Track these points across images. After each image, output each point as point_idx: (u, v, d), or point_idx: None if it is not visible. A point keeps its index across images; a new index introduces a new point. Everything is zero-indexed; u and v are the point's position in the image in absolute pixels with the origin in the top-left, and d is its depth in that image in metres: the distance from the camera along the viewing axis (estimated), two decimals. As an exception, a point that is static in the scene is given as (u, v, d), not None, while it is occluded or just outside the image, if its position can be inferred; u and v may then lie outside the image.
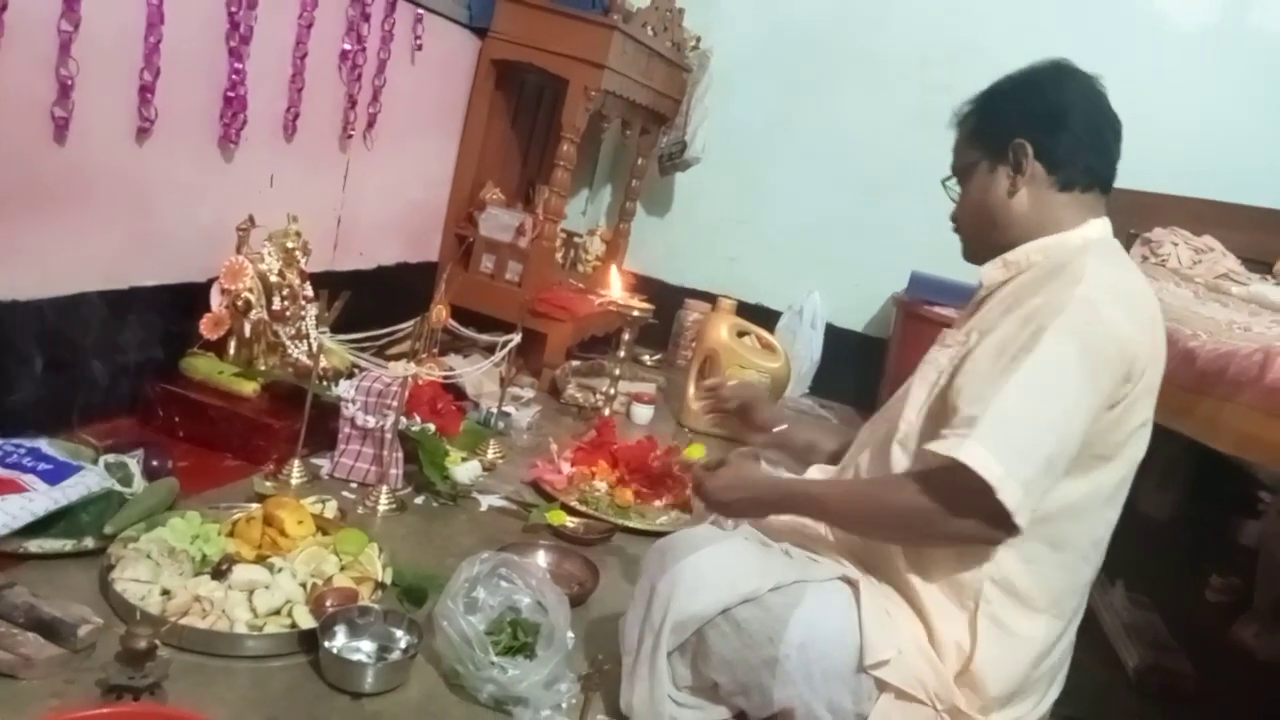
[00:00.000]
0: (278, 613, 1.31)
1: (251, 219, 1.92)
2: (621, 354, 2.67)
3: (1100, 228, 1.28)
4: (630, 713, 1.25)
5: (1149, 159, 3.14)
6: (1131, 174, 3.44)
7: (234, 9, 1.81)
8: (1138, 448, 1.24)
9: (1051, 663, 1.25)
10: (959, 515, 1.14)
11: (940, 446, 1.13)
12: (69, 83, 1.53)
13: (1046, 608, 1.22)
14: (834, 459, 1.50)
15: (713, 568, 1.21)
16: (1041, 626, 1.22)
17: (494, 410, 2.28)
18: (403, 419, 1.86)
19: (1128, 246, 3.01)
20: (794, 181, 3.55)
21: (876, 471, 1.30)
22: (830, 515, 1.30)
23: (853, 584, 1.22)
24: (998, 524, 1.12)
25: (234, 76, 1.87)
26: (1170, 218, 3.01)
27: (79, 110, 1.57)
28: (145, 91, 1.69)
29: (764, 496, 1.33)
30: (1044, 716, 1.29)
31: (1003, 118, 1.29)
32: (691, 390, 2.80)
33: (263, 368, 1.98)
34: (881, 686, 1.19)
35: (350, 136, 2.29)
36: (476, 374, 2.38)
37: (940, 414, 1.23)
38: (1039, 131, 1.26)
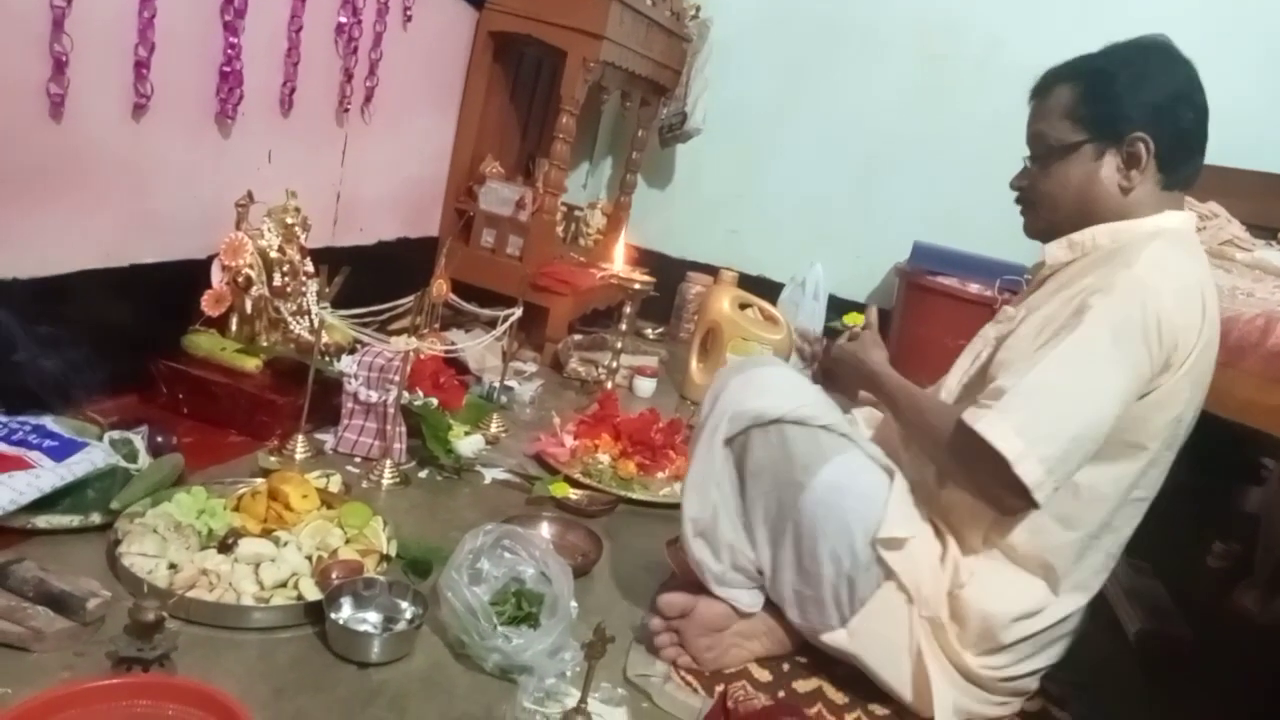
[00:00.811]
0: (284, 585, 1.32)
1: (250, 195, 1.92)
2: (623, 327, 2.67)
3: (1178, 220, 1.28)
4: (685, 488, 1.36)
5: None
6: (1136, 140, 3.40)
7: (228, -18, 1.80)
8: (1172, 442, 1.25)
9: (1035, 628, 1.27)
10: (981, 479, 1.19)
11: (968, 415, 1.17)
12: (63, 59, 1.52)
13: (1040, 573, 1.26)
14: None
15: (783, 382, 1.33)
16: (1030, 591, 1.26)
17: (496, 384, 2.28)
18: (405, 394, 1.87)
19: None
20: (795, 152, 3.53)
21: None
22: (898, 415, 1.38)
23: (890, 472, 1.29)
24: (1017, 495, 1.15)
25: (229, 52, 1.86)
26: (1175, 184, 2.99)
27: (74, 87, 1.56)
28: (140, 68, 1.67)
29: (863, 370, 1.42)
30: (1025, 685, 1.32)
31: (1119, 104, 1.26)
32: (694, 364, 2.80)
33: (265, 344, 1.98)
34: (886, 573, 1.25)
35: (347, 111, 2.28)
36: (478, 348, 2.39)
37: (979, 385, 1.27)
38: (1160, 129, 1.24)
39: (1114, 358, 1.13)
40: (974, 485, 1.23)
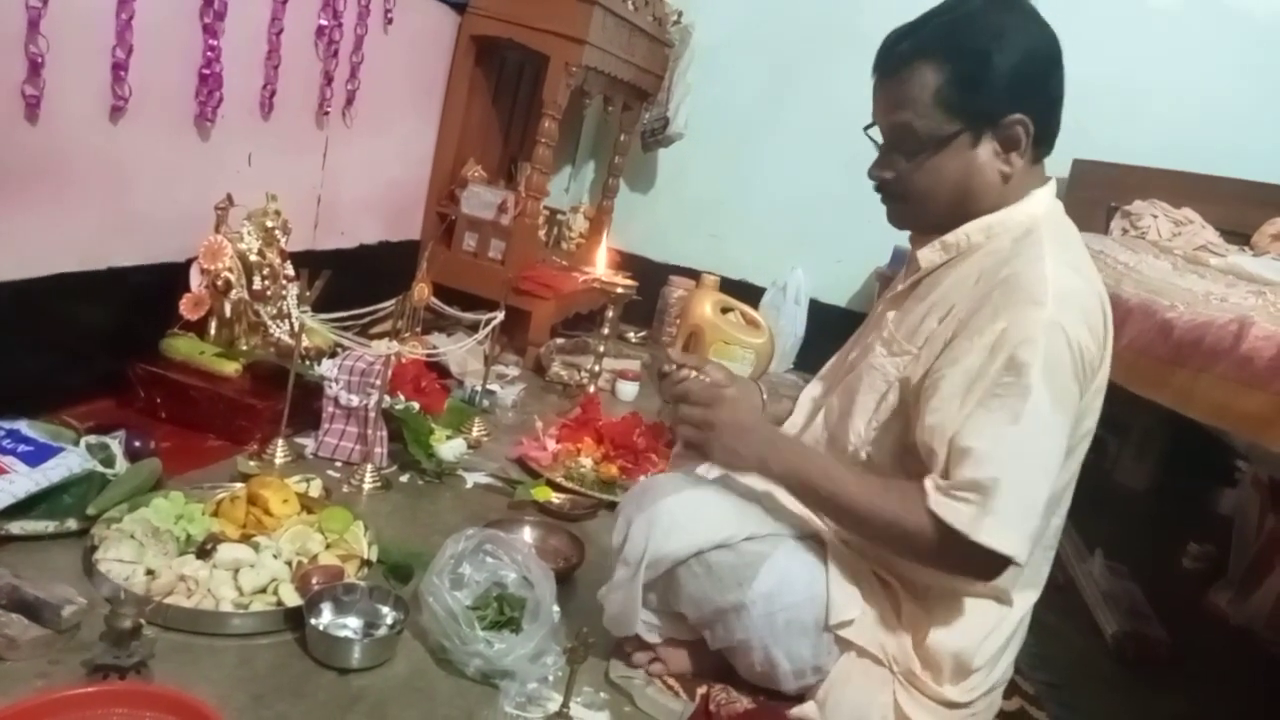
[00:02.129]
0: (263, 591, 1.31)
1: (230, 198, 1.90)
2: (606, 331, 2.67)
3: (1045, 198, 1.20)
4: (608, 621, 1.31)
5: (1130, 133, 3.18)
6: (1112, 148, 3.49)
7: (207, -16, 1.79)
8: (1085, 445, 1.22)
9: (1001, 638, 1.25)
10: (963, 567, 1.13)
11: (959, 521, 1.06)
12: (39, 60, 1.51)
13: (990, 595, 1.23)
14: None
15: (689, 512, 1.24)
16: (988, 612, 1.23)
17: (478, 388, 2.28)
18: (386, 398, 1.86)
19: (1108, 220, 3.03)
20: (776, 157, 3.55)
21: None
22: (826, 509, 1.21)
23: (822, 543, 1.24)
24: (1000, 569, 1.11)
25: (209, 54, 1.85)
26: (1150, 190, 3.03)
27: (50, 89, 1.54)
28: (118, 69, 1.66)
29: (768, 460, 1.19)
30: (1001, 682, 1.31)
31: (992, 85, 1.13)
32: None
33: (244, 348, 1.97)
34: (843, 645, 1.23)
35: (328, 114, 2.27)
36: (460, 352, 2.38)
37: (899, 433, 1.20)
38: (1034, 105, 1.14)
39: (1060, 416, 1.09)
40: (951, 570, 1.16)
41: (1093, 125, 3.19)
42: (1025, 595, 1.26)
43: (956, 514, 1.06)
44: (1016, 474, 1.06)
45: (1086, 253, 1.21)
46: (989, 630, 1.22)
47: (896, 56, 1.18)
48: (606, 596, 1.30)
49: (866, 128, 1.26)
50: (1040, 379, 1.06)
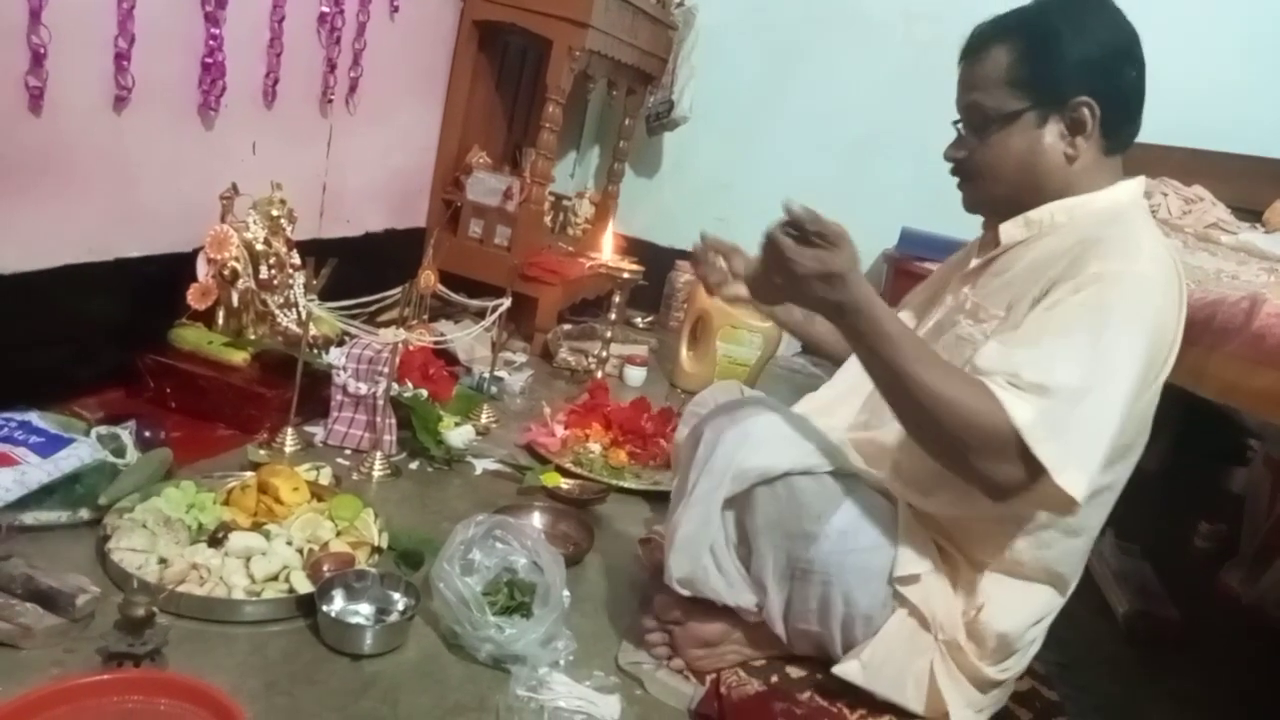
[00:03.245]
0: (275, 578, 1.32)
1: (235, 187, 1.90)
2: (613, 317, 2.67)
3: (1132, 191, 1.23)
4: (672, 548, 1.25)
5: (1138, 109, 3.15)
6: (1121, 125, 3.40)
7: (208, -28, 1.78)
8: (1147, 434, 1.22)
9: (1046, 625, 1.28)
10: (1024, 495, 1.08)
11: (1018, 416, 1.02)
12: (41, 51, 1.51)
13: (1049, 581, 1.24)
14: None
15: (783, 432, 1.22)
16: (1041, 599, 1.25)
17: (486, 375, 2.28)
18: (394, 385, 1.86)
19: (1117, 198, 3.01)
20: (783, 140, 3.53)
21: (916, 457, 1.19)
22: (898, 375, 1.08)
23: (893, 500, 1.25)
24: (1061, 508, 1.10)
25: (211, 43, 1.84)
26: (1160, 168, 3.00)
27: (53, 80, 1.54)
28: (121, 59, 1.66)
29: (849, 302, 1.08)
30: (1025, 667, 1.32)
31: (1059, 65, 1.17)
32: (684, 352, 2.80)
33: (252, 337, 1.97)
34: (900, 601, 1.23)
35: (331, 102, 2.26)
36: (468, 339, 2.38)
37: None
38: (1104, 91, 1.18)
39: (1132, 358, 1.07)
40: (1001, 482, 1.08)
41: (1102, 103, 3.18)
42: (1048, 593, 1.25)
43: (1016, 407, 1.03)
44: (1092, 419, 1.03)
45: (1164, 242, 1.21)
46: (1038, 616, 1.24)
47: (977, 38, 1.24)
48: (680, 516, 1.23)
49: (955, 123, 1.30)
50: (1121, 320, 1.06)
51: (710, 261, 1.38)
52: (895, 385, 1.10)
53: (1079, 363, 1.05)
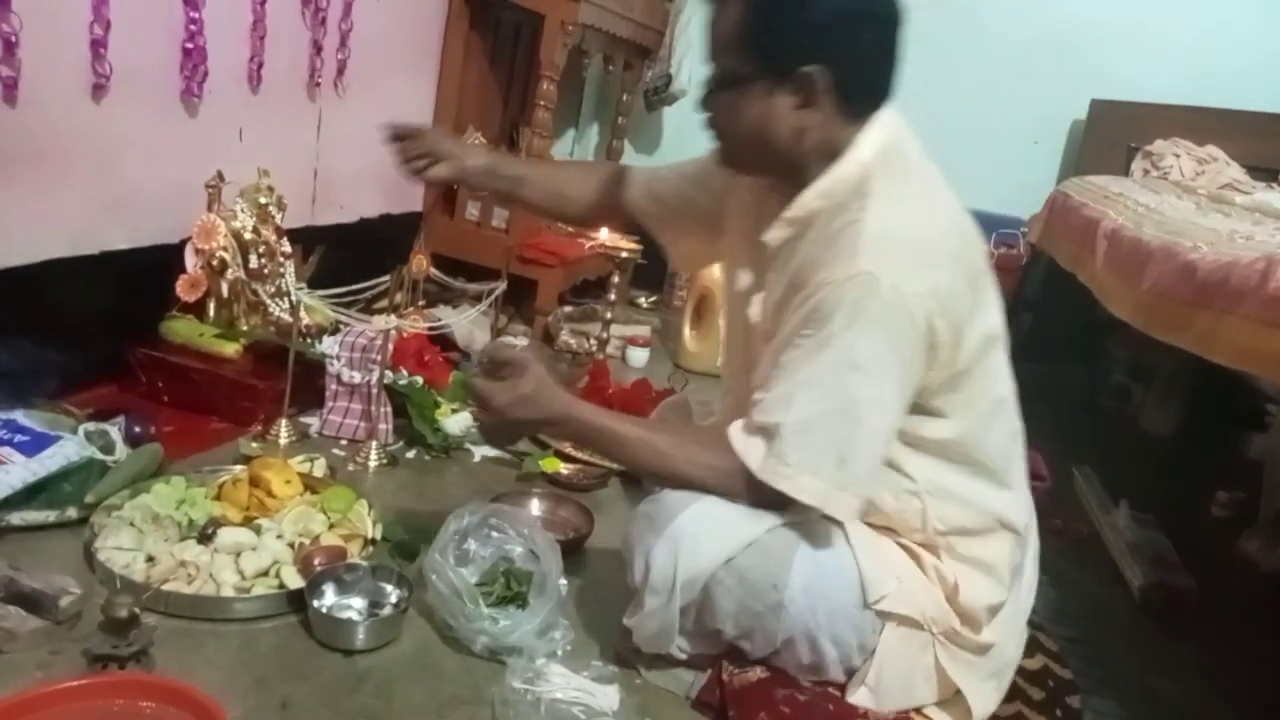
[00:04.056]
0: (265, 574, 1.29)
1: (220, 175, 1.87)
2: (613, 297, 2.63)
3: (874, 140, 1.16)
4: (641, 643, 1.23)
5: (1147, 69, 3.07)
6: (1129, 85, 3.38)
7: (184, -46, 1.73)
8: (994, 385, 1.21)
9: (1024, 564, 1.28)
10: (778, 504, 1.14)
11: (748, 457, 1.12)
12: (13, 39, 1.46)
13: (997, 527, 1.23)
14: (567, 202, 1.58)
15: (708, 521, 1.15)
16: (1001, 546, 1.24)
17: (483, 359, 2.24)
18: (389, 373, 1.83)
19: (1128, 161, 2.94)
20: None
21: None
22: (631, 463, 1.27)
23: (838, 522, 1.19)
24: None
25: (191, 27, 1.80)
26: (1171, 129, 2.93)
27: (27, 69, 1.50)
28: (97, 46, 1.61)
29: (551, 415, 1.21)
30: (1024, 610, 1.31)
31: (783, 33, 1.09)
32: (687, 332, 2.76)
33: (245, 327, 1.95)
34: (884, 618, 1.19)
35: (319, 85, 2.22)
36: (466, 324, 2.35)
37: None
38: (836, 59, 1.09)
39: (878, 352, 1.09)
40: (770, 506, 1.16)
41: (1109, 64, 3.09)
42: (1003, 495, 1.24)
43: (749, 452, 1.12)
44: (814, 425, 1.09)
45: (930, 179, 1.20)
46: (1008, 564, 1.23)
47: None
48: (639, 624, 1.20)
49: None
50: (843, 328, 1.07)
51: (407, 152, 1.48)
52: (636, 468, 1.26)
53: (814, 390, 1.09)
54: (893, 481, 1.20)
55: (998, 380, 1.22)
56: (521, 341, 2.62)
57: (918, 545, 1.23)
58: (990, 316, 1.19)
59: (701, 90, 1.21)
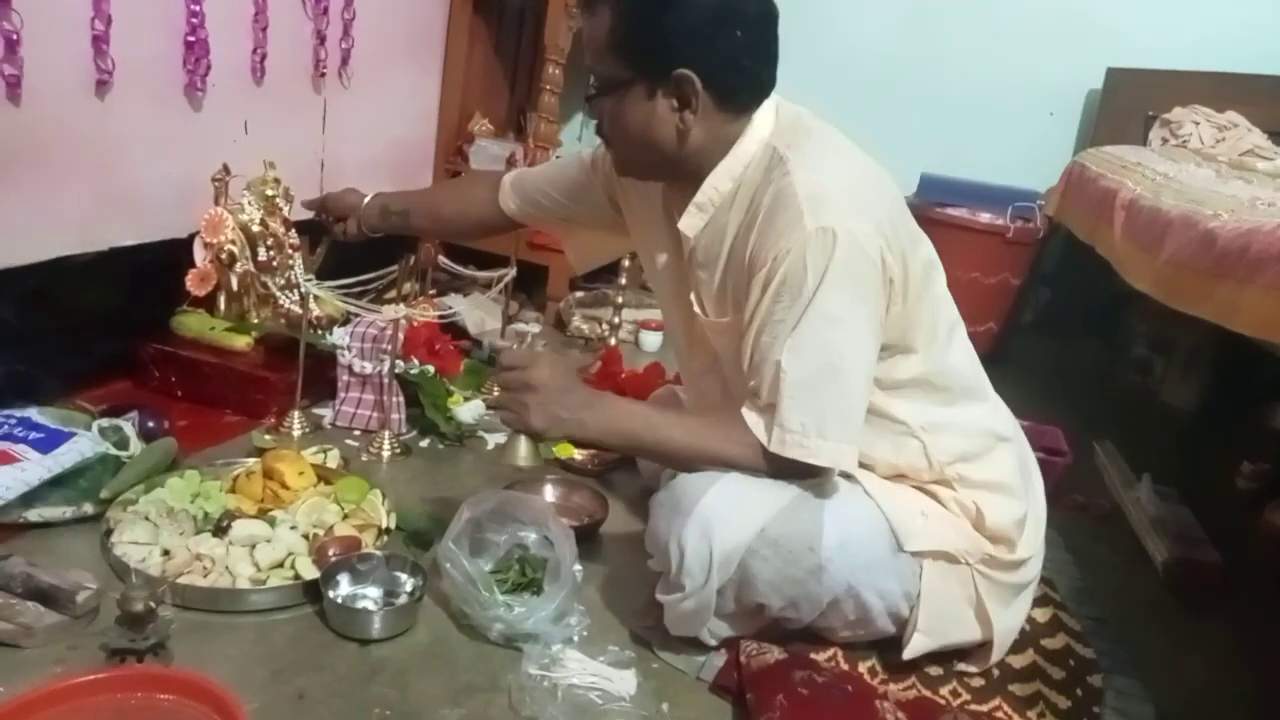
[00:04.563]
0: (280, 565, 1.30)
1: (226, 168, 1.86)
2: (624, 281, 2.61)
3: (765, 119, 1.20)
4: (672, 625, 1.23)
5: (1163, 35, 3.01)
6: (1145, 52, 3.31)
7: (183, -53, 1.72)
8: (945, 310, 1.26)
9: (1021, 470, 1.31)
10: (794, 475, 1.17)
11: (761, 434, 1.14)
12: (15, 37, 1.46)
13: (993, 442, 1.27)
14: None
15: (733, 496, 1.15)
16: (1004, 459, 1.28)
17: (495, 347, 2.24)
18: (401, 362, 1.83)
19: (1145, 130, 2.88)
20: (789, 90, 3.41)
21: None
22: (660, 454, 1.28)
23: (847, 475, 1.20)
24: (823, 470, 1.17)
25: (193, 20, 1.79)
26: (1190, 96, 2.87)
27: (30, 66, 1.50)
28: (99, 42, 1.61)
29: (587, 420, 1.19)
30: (1039, 518, 1.34)
31: (657, 37, 1.10)
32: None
33: (255, 320, 1.94)
34: (920, 558, 1.21)
35: (324, 75, 2.20)
36: (477, 312, 2.35)
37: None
38: (706, 61, 1.12)
39: (853, 301, 1.12)
40: (791, 479, 1.18)
41: (1125, 31, 3.03)
42: (1003, 449, 1.29)
43: (759, 429, 1.14)
44: (808, 388, 1.11)
45: (830, 134, 1.24)
46: (1013, 474, 1.28)
47: None
48: (673, 605, 1.19)
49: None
50: (815, 286, 1.10)
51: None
52: (666, 451, 1.23)
53: (800, 354, 1.11)
54: (887, 429, 1.23)
55: (945, 304, 1.27)
56: (535, 328, 2.61)
57: (932, 485, 1.26)
58: (923, 244, 1.24)
59: (589, 100, 1.23)
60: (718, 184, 1.20)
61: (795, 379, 1.11)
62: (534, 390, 1.17)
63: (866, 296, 1.12)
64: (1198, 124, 2.76)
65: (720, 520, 1.13)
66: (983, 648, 1.27)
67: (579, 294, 2.85)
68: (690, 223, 1.23)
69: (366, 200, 1.73)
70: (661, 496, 1.21)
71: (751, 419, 1.16)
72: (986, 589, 1.23)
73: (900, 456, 1.24)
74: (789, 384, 1.11)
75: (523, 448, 1.23)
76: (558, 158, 3.03)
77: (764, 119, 1.20)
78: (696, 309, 1.30)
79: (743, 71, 1.16)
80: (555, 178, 1.56)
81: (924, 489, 1.26)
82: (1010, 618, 1.28)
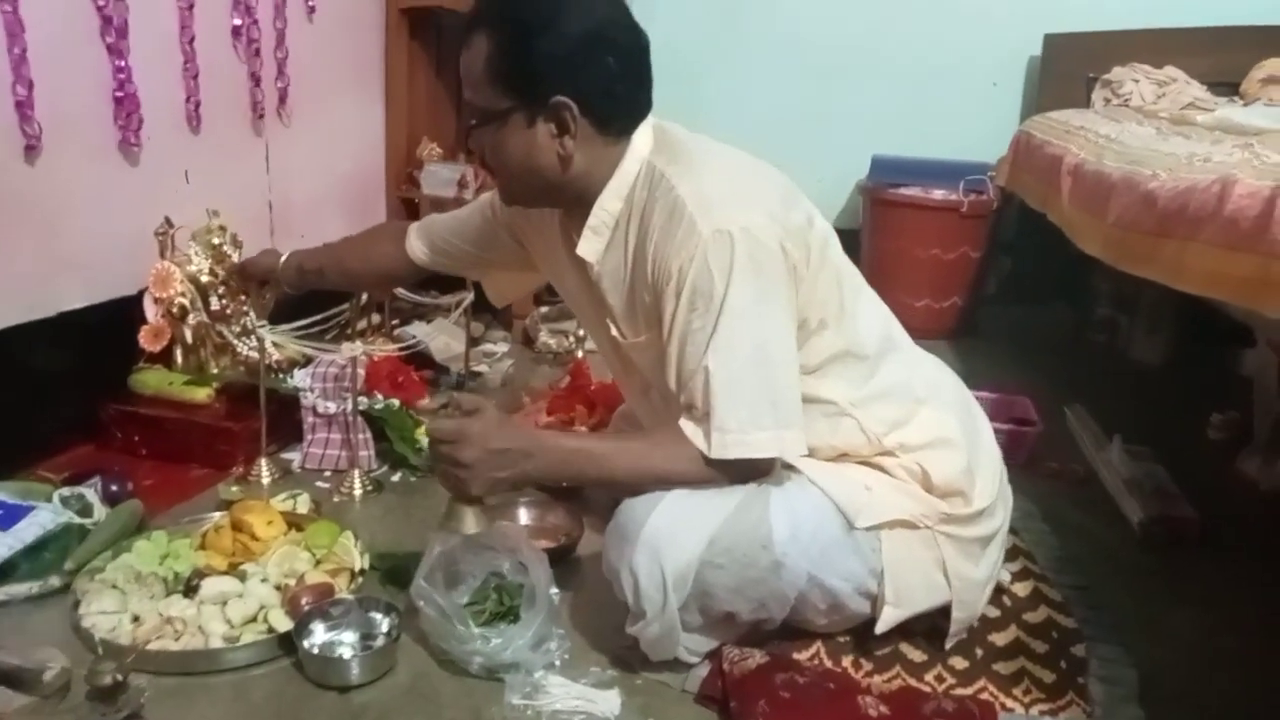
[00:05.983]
0: (254, 620, 1.28)
1: (168, 220, 1.85)
2: (586, 292, 2.60)
3: (645, 139, 1.22)
4: (648, 650, 1.22)
5: (1095, -3, 3.03)
6: (1082, 15, 3.34)
7: (100, 2, 1.70)
8: (846, 277, 1.27)
9: (955, 420, 1.31)
10: (744, 478, 1.19)
11: (700, 443, 1.15)
12: (-66, 112, 1.45)
13: (924, 396, 1.30)
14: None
15: (676, 513, 1.15)
16: (934, 412, 1.29)
17: (463, 372, 2.23)
18: (364, 398, 1.82)
19: (1087, 93, 2.90)
20: (743, 74, 3.44)
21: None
22: (610, 484, 1.31)
23: (788, 465, 1.21)
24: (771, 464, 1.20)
25: (119, 76, 1.77)
26: (1129, 54, 2.90)
27: (-47, 139, 1.48)
28: (23, 107, 1.59)
29: (529, 471, 1.18)
30: (992, 468, 1.35)
31: (532, 65, 1.12)
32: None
33: (215, 371, 1.93)
34: (876, 531, 1.21)
35: (262, 116, 2.19)
36: (441, 339, 2.33)
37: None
38: (581, 87, 1.13)
39: (763, 298, 1.14)
40: (738, 482, 1.20)
41: (1059, -4, 3.07)
42: (933, 406, 1.30)
43: (699, 438, 1.15)
44: (738, 383, 1.13)
45: (703, 142, 1.27)
46: (950, 430, 1.28)
47: (465, 25, 1.18)
48: (641, 633, 1.19)
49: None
50: (724, 287, 1.12)
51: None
52: (615, 480, 1.24)
53: (723, 355, 1.12)
54: (819, 412, 1.23)
55: (845, 267, 1.29)
56: (503, 347, 2.61)
57: (876, 458, 1.26)
58: (817, 220, 1.26)
59: (469, 133, 1.23)
60: (607, 205, 1.22)
61: (723, 379, 1.13)
62: (466, 466, 1.15)
63: (775, 286, 1.14)
64: (1137, 81, 2.78)
65: (666, 540, 1.13)
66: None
67: (544, 309, 2.84)
68: (589, 247, 1.25)
69: (283, 260, 1.76)
70: (610, 526, 1.21)
71: (690, 429, 1.16)
72: (951, 548, 1.24)
73: (837, 436, 1.25)
74: (718, 385, 1.13)
75: (469, 516, 1.21)
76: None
77: (643, 139, 1.23)
78: (614, 332, 1.30)
79: (617, 96, 1.18)
80: (460, 227, 1.58)
81: (869, 463, 1.27)
82: (981, 571, 1.29)
